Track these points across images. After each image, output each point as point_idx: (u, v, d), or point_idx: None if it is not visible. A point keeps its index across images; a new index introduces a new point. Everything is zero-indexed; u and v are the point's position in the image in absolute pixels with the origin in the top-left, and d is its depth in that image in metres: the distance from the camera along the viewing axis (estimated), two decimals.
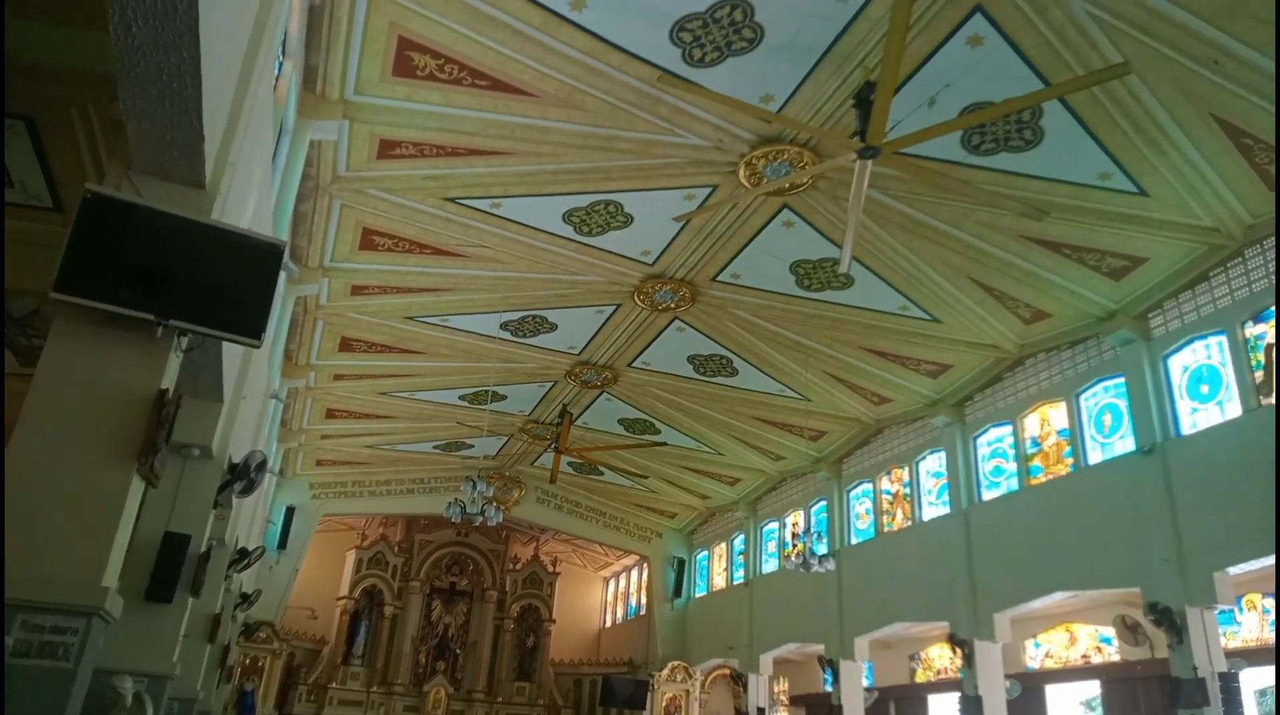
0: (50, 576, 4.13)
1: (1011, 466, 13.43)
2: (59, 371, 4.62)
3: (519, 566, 24.35)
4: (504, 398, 16.63)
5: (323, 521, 21.04)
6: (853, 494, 17.18)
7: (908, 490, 15.68)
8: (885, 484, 16.37)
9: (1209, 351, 10.71)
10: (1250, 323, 10.16)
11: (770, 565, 19.45)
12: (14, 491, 4.24)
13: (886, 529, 16.04)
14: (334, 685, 20.99)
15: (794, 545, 18.56)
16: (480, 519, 14.92)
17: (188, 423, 6.57)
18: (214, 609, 9.73)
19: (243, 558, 11.17)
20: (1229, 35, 7.22)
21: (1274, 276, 9.80)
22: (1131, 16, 7.21)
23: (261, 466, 9.18)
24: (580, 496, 22.28)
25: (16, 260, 6.71)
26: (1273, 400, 9.65)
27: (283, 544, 19.14)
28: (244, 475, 8.84)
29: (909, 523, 15.44)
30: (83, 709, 4.36)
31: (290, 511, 19.54)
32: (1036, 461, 13.04)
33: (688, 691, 20.40)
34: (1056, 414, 12.88)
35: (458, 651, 23.27)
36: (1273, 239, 9.76)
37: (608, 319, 13.44)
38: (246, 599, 14.14)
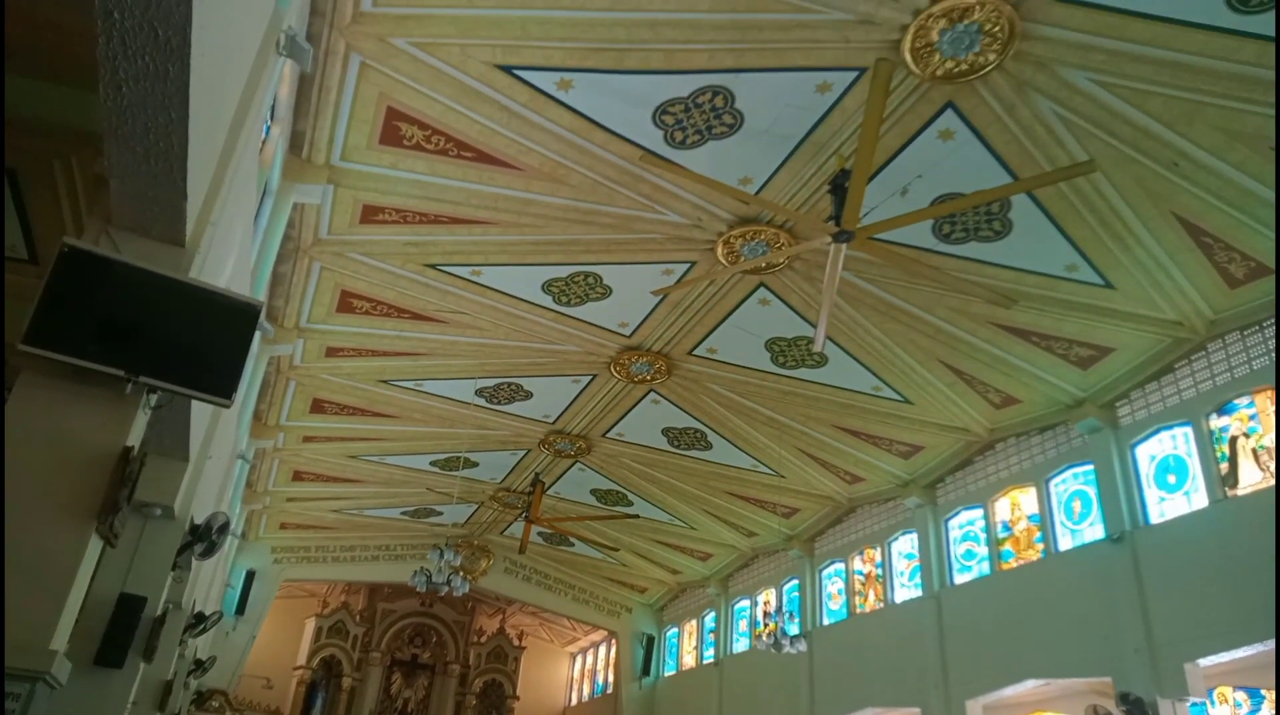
0: None
1: (983, 550, 13.42)
2: (22, 425, 4.53)
3: (484, 640, 23.76)
4: (476, 465, 16.49)
5: (283, 587, 20.47)
6: (825, 573, 17.04)
7: (880, 571, 15.58)
8: (858, 564, 16.27)
9: (1175, 442, 10.89)
10: (1214, 415, 10.37)
11: (741, 644, 19.12)
12: None
13: (859, 610, 15.87)
14: None
15: (765, 624, 18.27)
16: (446, 589, 14.60)
17: (151, 482, 6.44)
18: (166, 675, 9.37)
19: (199, 622, 10.82)
20: (1188, 140, 7.59)
21: (1237, 370, 10.05)
22: (1096, 118, 7.56)
23: (224, 529, 8.99)
24: (549, 568, 21.90)
25: None
26: (1238, 492, 9.78)
27: (241, 609, 18.57)
28: (205, 537, 8.66)
29: (881, 604, 15.30)
30: None
31: (250, 576, 19.01)
32: (1008, 546, 13.05)
33: None
34: (1027, 499, 12.95)
35: None
36: (1235, 335, 10.05)
37: (584, 389, 13.47)
38: (200, 665, 13.62)
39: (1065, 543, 12.05)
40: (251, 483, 15.79)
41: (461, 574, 15.87)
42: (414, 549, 20.29)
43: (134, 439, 4.80)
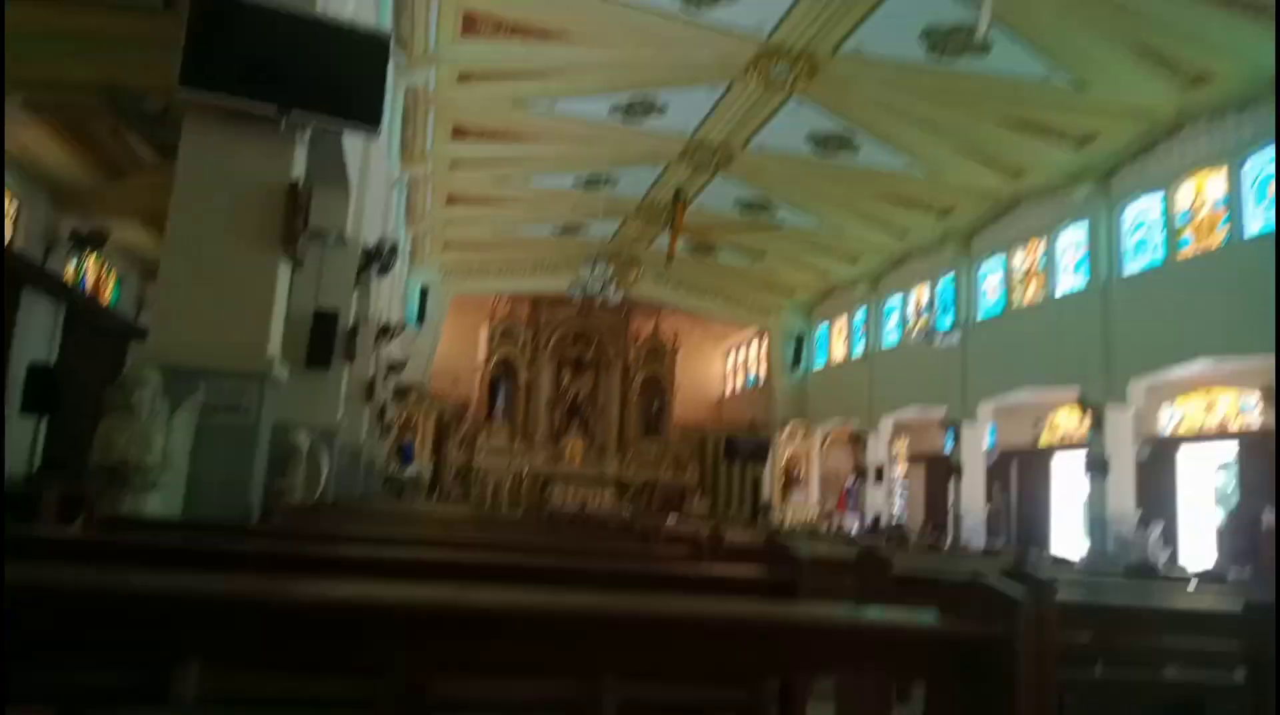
0: (225, 347, 4.73)
1: (1158, 238, 12.61)
2: (196, 166, 5.00)
3: (640, 341, 25.38)
4: (618, 182, 16.58)
5: (454, 299, 22.32)
6: (981, 269, 16.66)
7: (1042, 264, 15.06)
8: (1017, 259, 15.76)
9: None
10: None
11: (892, 339, 19.51)
12: (179, 278, 4.79)
13: (1017, 304, 15.64)
14: (481, 438, 23.33)
15: (917, 320, 18.48)
16: (601, 298, 15.52)
17: (321, 210, 7.01)
18: (367, 374, 10.81)
19: (387, 332, 12.17)
20: None
21: None
22: None
23: (393, 249, 9.78)
24: (697, 275, 22.55)
25: (136, 61, 7.01)
26: None
27: (420, 319, 20.56)
28: (378, 257, 9.46)
29: (1041, 297, 14.98)
30: (268, 460, 5.14)
31: (424, 291, 20.78)
32: (1187, 233, 12.19)
33: (808, 450, 21.54)
34: (1214, 183, 11.81)
35: (588, 414, 25.09)
36: None
37: (720, 99, 12.88)
38: (394, 368, 15.53)
39: (1254, 227, 11.10)
40: (411, 208, 16.71)
41: (614, 283, 16.71)
42: (568, 262, 21.32)
43: (298, 172, 5.20)
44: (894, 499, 20.43)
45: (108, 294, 15.43)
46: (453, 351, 23.12)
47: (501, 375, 24.19)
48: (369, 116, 5.23)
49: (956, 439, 16.24)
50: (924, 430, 19.55)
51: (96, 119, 10.57)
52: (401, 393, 19.67)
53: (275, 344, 5.07)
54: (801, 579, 2.66)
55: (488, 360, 23.84)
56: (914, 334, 17.08)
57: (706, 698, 2.52)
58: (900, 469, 21.01)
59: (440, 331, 21.55)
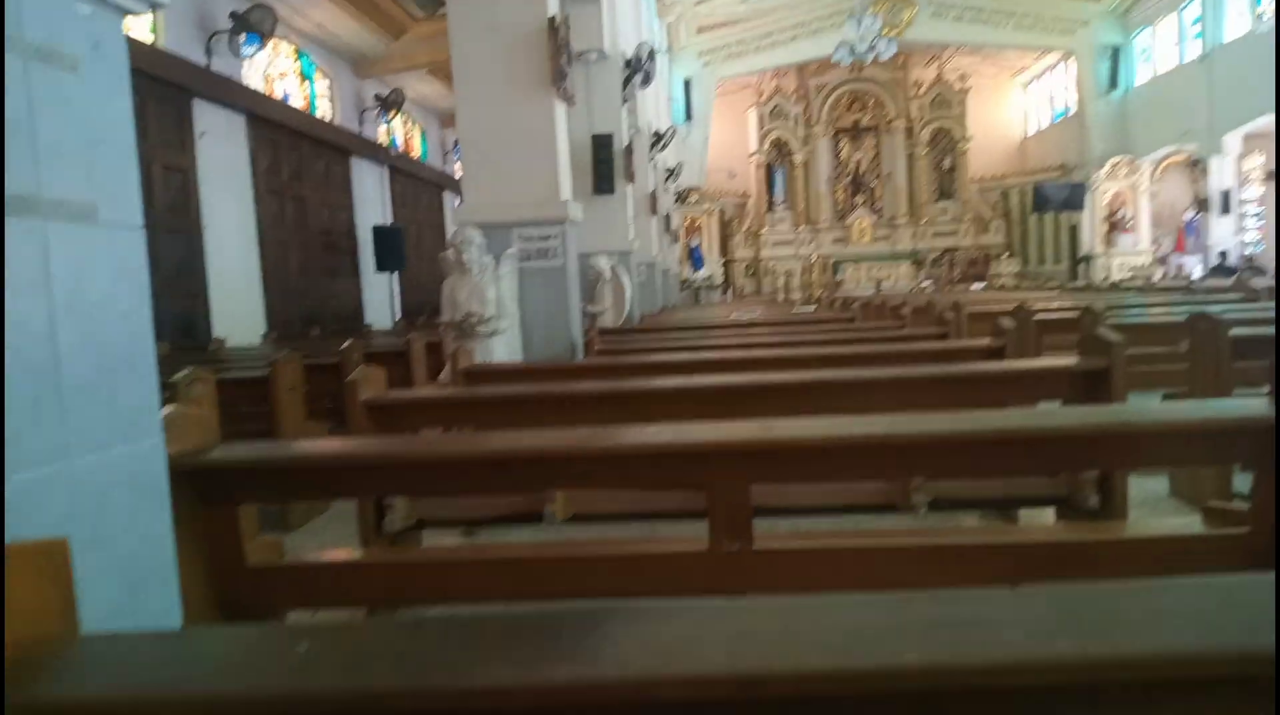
0: (527, 199, 5.21)
1: None
2: (464, 22, 5.30)
3: (923, 91, 23.21)
4: None
5: (719, 86, 21.78)
6: None
7: None
8: None
9: None
10: None
11: (1237, 28, 15.99)
12: (476, 136, 5.26)
13: None
14: (764, 230, 23.40)
15: None
16: (872, 53, 14.28)
17: (578, 32, 7.16)
18: (648, 188, 11.21)
19: (659, 140, 12.36)
20: None
21: None
22: None
23: (652, 55, 9.73)
24: (981, 0, 19.77)
25: None
26: None
27: (688, 115, 20.46)
28: (639, 66, 9.50)
29: None
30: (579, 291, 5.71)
31: (688, 84, 20.50)
32: None
33: (1134, 186, 18.93)
34: None
35: (873, 184, 23.95)
36: None
37: None
38: (671, 173, 15.85)
39: None
40: None
41: (884, 34, 15.23)
42: (830, 19, 19.69)
43: (552, 6, 5.33)
44: (1245, 230, 17.47)
45: (417, 148, 17.14)
46: (724, 144, 22.89)
47: (776, 159, 23.62)
48: None
49: None
50: None
51: None
52: (682, 197, 20.13)
53: (567, 186, 5.47)
54: (1115, 366, 2.55)
55: (760, 145, 23.32)
56: (1265, 15, 13.75)
57: (1019, 489, 2.58)
58: (1254, 193, 17.74)
59: (709, 125, 21.36)
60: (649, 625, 0.90)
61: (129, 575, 1.35)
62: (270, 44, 10.48)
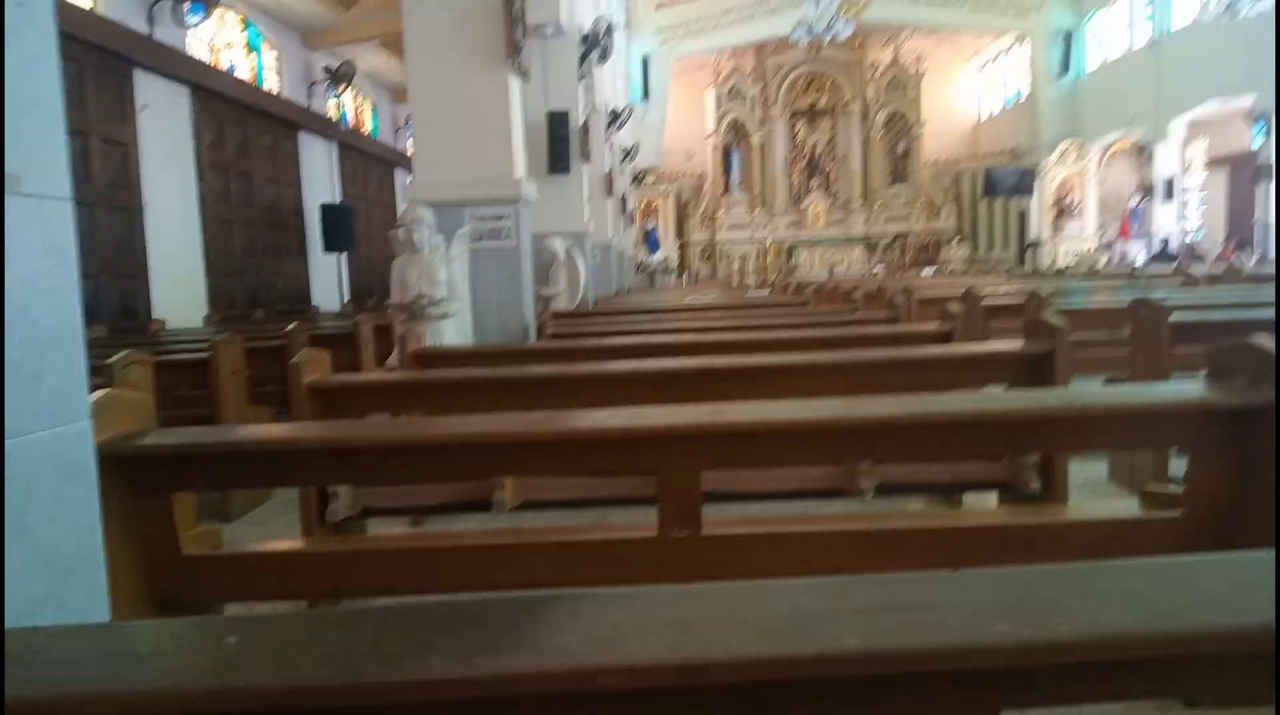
0: (479, 177, 5.13)
1: None
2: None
3: (879, 73, 23.37)
4: None
5: (677, 66, 21.69)
6: None
7: None
8: None
9: None
10: None
11: (1185, 15, 16.35)
12: (429, 112, 5.16)
13: None
14: (720, 213, 23.45)
15: None
16: (830, 33, 14.31)
17: (534, 5, 7.05)
18: (605, 168, 11.13)
19: (616, 118, 12.27)
20: None
21: None
22: None
23: (610, 30, 9.63)
24: None
25: None
26: None
27: (646, 94, 20.35)
28: (597, 42, 9.39)
29: None
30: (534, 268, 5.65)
31: (645, 61, 20.38)
32: None
33: (1081, 172, 19.34)
34: None
35: (828, 168, 24.11)
36: None
37: None
38: (628, 153, 15.77)
39: None
40: None
41: (843, 12, 15.27)
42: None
43: None
44: (1187, 217, 17.98)
45: (368, 124, 16.79)
46: (681, 125, 22.83)
47: (733, 141, 23.65)
48: None
49: (1268, 132, 13.74)
50: (1225, 127, 16.66)
51: None
52: (638, 178, 20.06)
53: (521, 165, 5.39)
54: (1059, 352, 2.60)
55: (717, 126, 23.30)
56: (1211, 5, 14.15)
57: (963, 474, 2.63)
58: (1196, 180, 18.25)
59: (667, 104, 21.27)
60: (591, 613, 0.88)
61: (53, 566, 1.30)
62: (216, 13, 10.15)
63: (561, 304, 6.89)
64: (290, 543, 2.24)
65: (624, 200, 14.55)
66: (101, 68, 8.45)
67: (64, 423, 1.35)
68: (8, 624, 1.02)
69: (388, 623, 0.88)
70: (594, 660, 0.79)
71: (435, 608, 0.90)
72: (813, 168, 24.08)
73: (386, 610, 0.90)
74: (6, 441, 1.24)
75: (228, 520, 3.67)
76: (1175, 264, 11.64)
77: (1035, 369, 2.62)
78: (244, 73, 11.86)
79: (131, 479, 1.78)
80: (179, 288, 9.42)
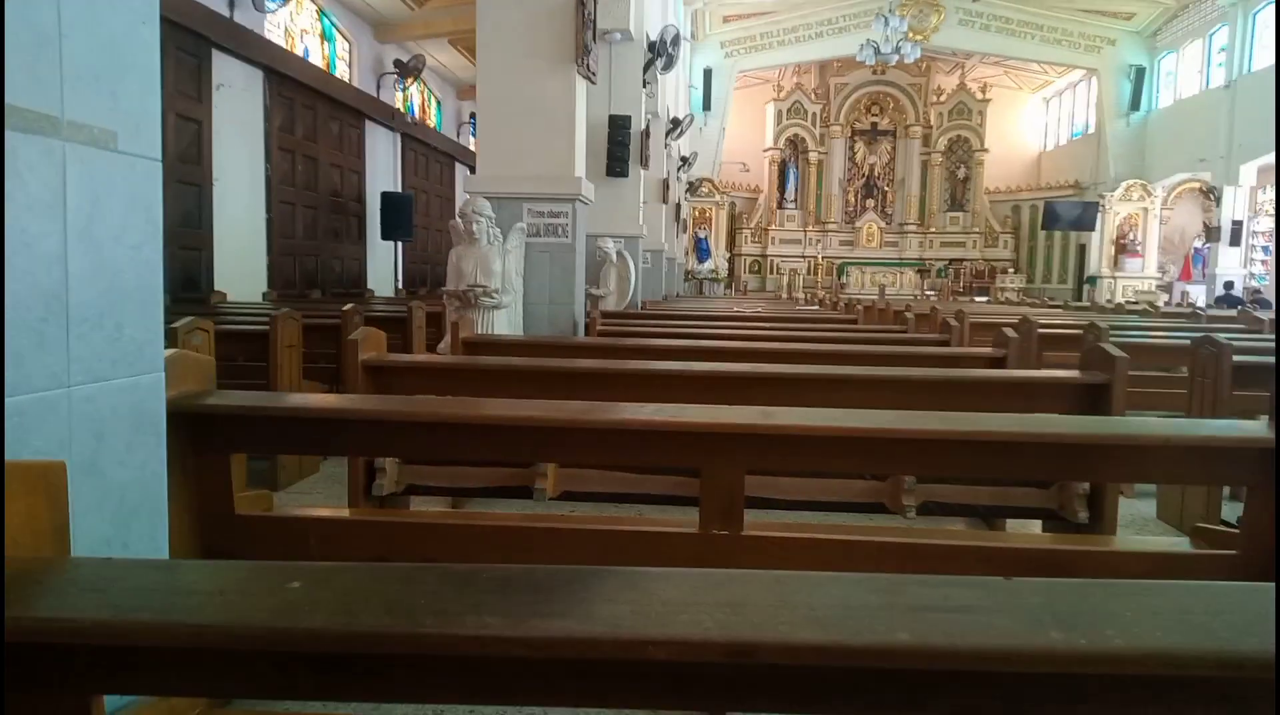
0: (540, 173, 5.19)
1: None
2: None
3: (943, 98, 23.11)
4: None
5: (739, 79, 21.69)
6: None
7: None
8: None
9: None
10: None
11: (1264, 58, 15.92)
12: (495, 107, 5.23)
13: None
14: (773, 227, 23.35)
15: None
16: (896, 57, 14.22)
17: (604, 11, 7.13)
18: (662, 175, 11.17)
19: (675, 127, 12.32)
20: None
21: None
22: None
23: (676, 40, 9.69)
24: (1010, 10, 19.67)
25: None
26: None
27: (707, 105, 20.37)
28: (662, 50, 9.46)
29: None
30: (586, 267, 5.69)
31: (708, 74, 20.40)
32: None
33: (1145, 210, 18.88)
34: None
35: (885, 189, 23.89)
36: None
37: None
38: (685, 161, 15.80)
39: None
40: None
41: (910, 37, 15.15)
42: (857, 19, 19.60)
43: None
44: (1253, 262, 17.45)
45: (432, 117, 17.06)
46: (740, 137, 22.80)
47: (791, 156, 23.55)
48: None
49: None
50: None
51: None
52: (694, 187, 20.06)
53: (581, 164, 5.45)
54: (1116, 381, 2.55)
55: (776, 141, 23.23)
56: None
57: (1009, 498, 2.59)
58: (1265, 225, 17.70)
59: (727, 116, 21.27)
60: (644, 588, 0.90)
61: (121, 507, 1.35)
62: (294, 1, 10.41)
63: (610, 304, 6.93)
64: (338, 510, 2.29)
65: (678, 208, 14.58)
66: (181, 46, 8.72)
67: (140, 373, 1.40)
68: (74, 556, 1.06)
69: (445, 581, 0.90)
70: (644, 632, 0.81)
71: (491, 571, 0.92)
72: (869, 188, 23.86)
73: (444, 569, 0.93)
74: (88, 386, 1.29)
75: (275, 491, 3.75)
76: (1239, 309, 11.31)
77: (1091, 400, 2.57)
78: (316, 60, 12.15)
79: (193, 436, 1.84)
80: (240, 263, 9.66)
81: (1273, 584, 0.92)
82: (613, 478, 2.64)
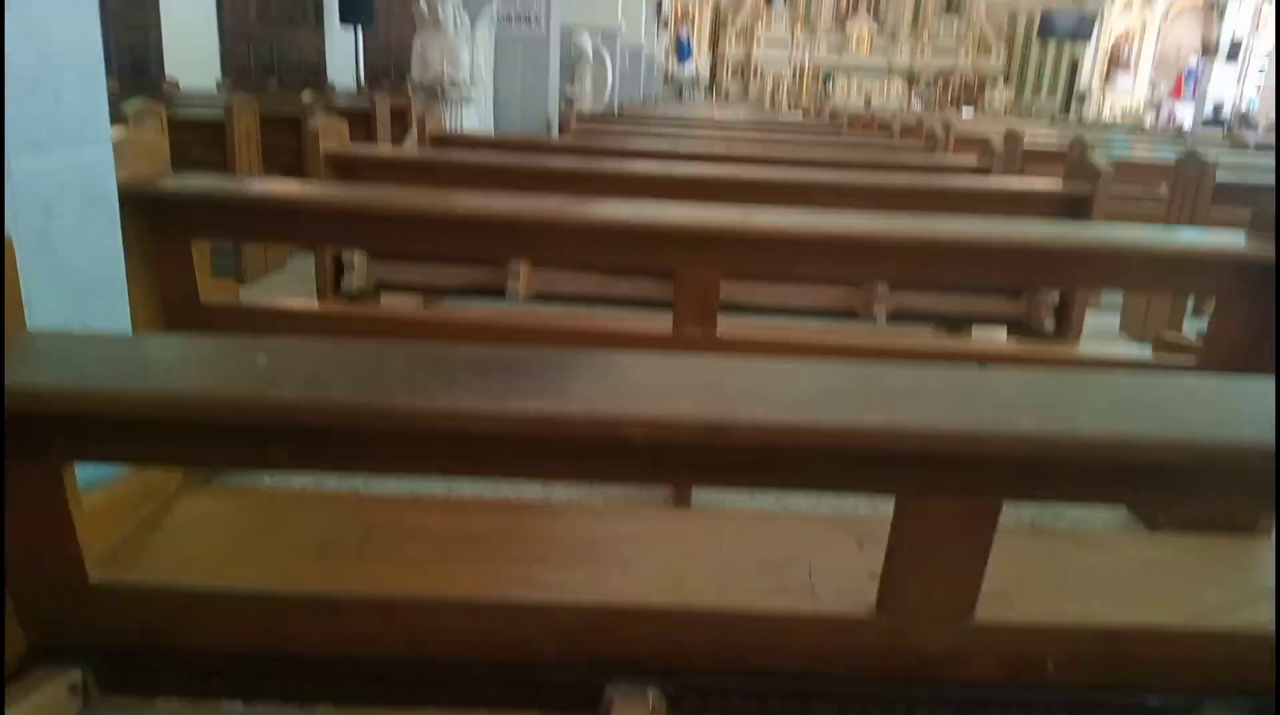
0: None
1: None
2: None
3: None
4: None
5: None
6: None
7: None
8: None
9: None
10: None
11: None
12: None
13: None
14: (759, 28, 22.09)
15: None
16: None
17: None
18: None
19: None
20: None
21: None
22: None
23: None
24: None
25: None
26: None
27: None
28: None
29: None
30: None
31: None
32: None
33: (1144, 23, 18.03)
34: None
35: None
36: None
37: None
38: None
39: None
40: None
41: None
42: None
43: None
44: (1245, 83, 16.86)
45: None
46: None
47: None
48: None
49: None
50: None
51: None
52: None
53: None
54: (1098, 193, 2.52)
55: None
56: None
57: (977, 307, 2.62)
58: (1266, 44, 16.92)
59: None
60: (620, 370, 0.89)
61: (78, 288, 1.31)
62: None
63: (585, 104, 6.62)
64: (307, 302, 2.26)
65: (659, 1, 13.67)
66: None
67: (85, 144, 1.31)
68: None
69: (419, 358, 0.89)
70: (620, 411, 0.80)
71: (466, 351, 0.90)
72: None
73: (418, 347, 0.91)
74: (29, 158, 1.21)
75: (240, 284, 3.69)
76: (1225, 129, 11.12)
77: (1072, 210, 2.55)
78: None
79: (151, 221, 1.76)
80: (191, 48, 9.02)
81: (1236, 378, 0.93)
82: (587, 279, 2.61)
